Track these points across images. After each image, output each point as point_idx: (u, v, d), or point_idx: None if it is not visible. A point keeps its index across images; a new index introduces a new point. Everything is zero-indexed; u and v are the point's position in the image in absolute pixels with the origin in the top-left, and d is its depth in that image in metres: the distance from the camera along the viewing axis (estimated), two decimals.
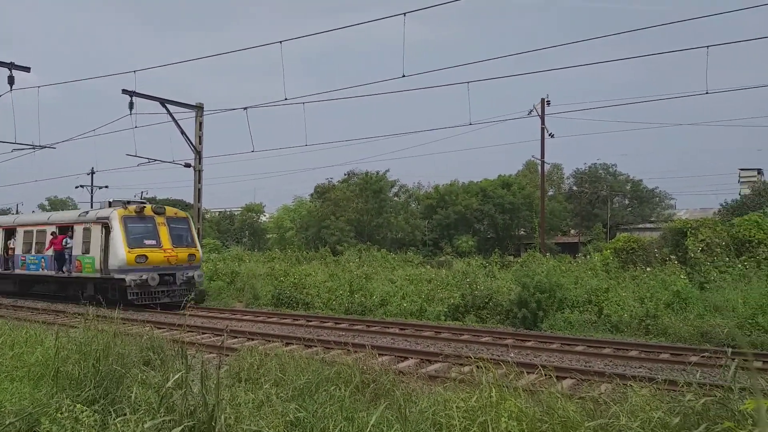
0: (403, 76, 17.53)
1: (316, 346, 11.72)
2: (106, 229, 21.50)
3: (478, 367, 7.54)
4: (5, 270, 27.34)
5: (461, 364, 10.71)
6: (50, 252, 24.09)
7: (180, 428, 5.39)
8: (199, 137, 25.76)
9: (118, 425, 5.51)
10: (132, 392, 6.50)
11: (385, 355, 12.34)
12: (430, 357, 12.30)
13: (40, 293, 26.12)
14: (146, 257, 21.09)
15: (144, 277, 20.70)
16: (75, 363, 7.79)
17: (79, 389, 7.14)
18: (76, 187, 52.31)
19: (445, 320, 18.10)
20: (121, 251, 20.70)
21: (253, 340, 13.95)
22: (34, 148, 27.15)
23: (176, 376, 6.18)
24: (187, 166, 25.95)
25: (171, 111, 24.82)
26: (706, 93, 15.89)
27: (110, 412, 6.14)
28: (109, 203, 23.34)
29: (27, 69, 20.36)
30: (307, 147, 53.69)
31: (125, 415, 5.89)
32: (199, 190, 25.74)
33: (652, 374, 9.64)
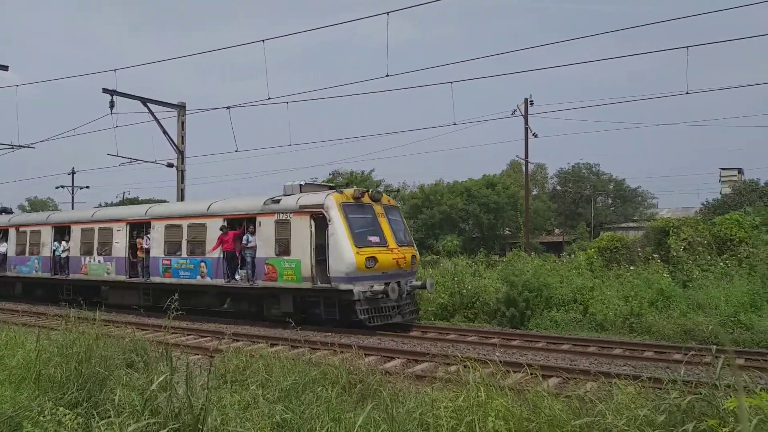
0: (387, 75, 17.60)
1: (302, 347, 11.68)
2: (318, 221, 15.85)
3: (464, 366, 7.55)
4: (131, 277, 20.56)
5: (448, 364, 10.71)
6: (216, 253, 17.92)
7: (165, 431, 5.32)
8: (182, 137, 25.56)
9: (102, 428, 5.43)
10: (116, 395, 6.41)
11: (372, 355, 12.31)
12: (416, 357, 12.29)
13: (194, 308, 18.22)
14: (375, 260, 15.52)
15: (377, 287, 15.20)
16: (57, 365, 7.68)
17: (62, 392, 7.03)
18: (57, 188, 51.64)
19: (434, 320, 18.11)
20: (348, 252, 15.09)
21: (238, 341, 13.85)
22: (12, 148, 26.77)
23: (160, 378, 6.10)
24: (170, 166, 25.73)
25: (153, 110, 24.60)
26: (687, 93, 16.04)
27: (93, 415, 6.05)
28: (300, 186, 17.29)
29: (5, 68, 20.05)
30: (291, 147, 53.49)
31: (109, 417, 5.81)
32: (182, 190, 25.53)
33: (637, 372, 9.71)
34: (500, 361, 8.49)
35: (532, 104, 29.70)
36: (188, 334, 15.88)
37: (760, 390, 5.36)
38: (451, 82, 18.76)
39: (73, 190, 50.87)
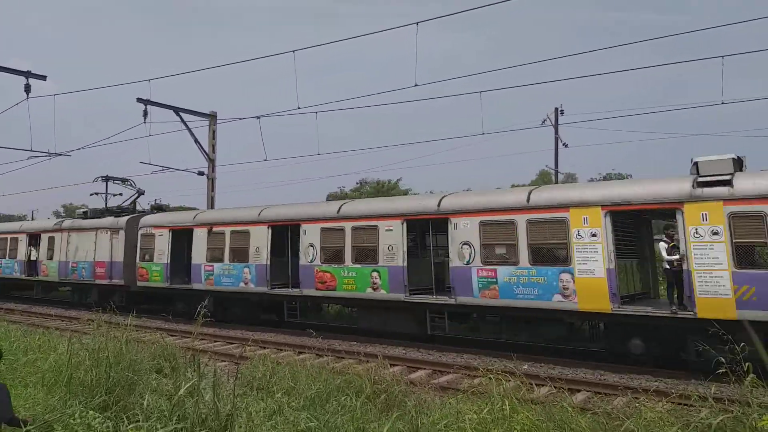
0: (416, 85, 17.64)
1: (327, 356, 11.72)
2: None
3: (489, 378, 7.49)
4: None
5: (473, 376, 10.64)
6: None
7: None
8: (212, 145, 25.95)
9: None
10: (144, 399, 6.51)
11: (397, 365, 12.28)
12: (442, 368, 12.22)
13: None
14: None
15: None
16: (87, 370, 7.83)
17: (92, 396, 7.17)
18: (91, 195, 52.71)
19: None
20: None
21: (264, 348, 13.95)
22: (49, 156, 27.43)
23: (188, 384, 6.19)
24: (201, 174, 26.11)
25: (185, 119, 25.04)
26: (722, 103, 15.76)
27: (122, 418, 6.16)
28: None
29: (43, 77, 20.59)
30: (320, 156, 53.76)
31: (137, 422, 5.91)
32: (212, 198, 25.88)
33: (667, 388, 9.51)
34: (526, 374, 8.39)
35: (562, 113, 29.44)
36: (215, 341, 16.06)
37: None
38: (480, 92, 18.68)
39: (106, 197, 51.87)
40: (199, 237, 19.81)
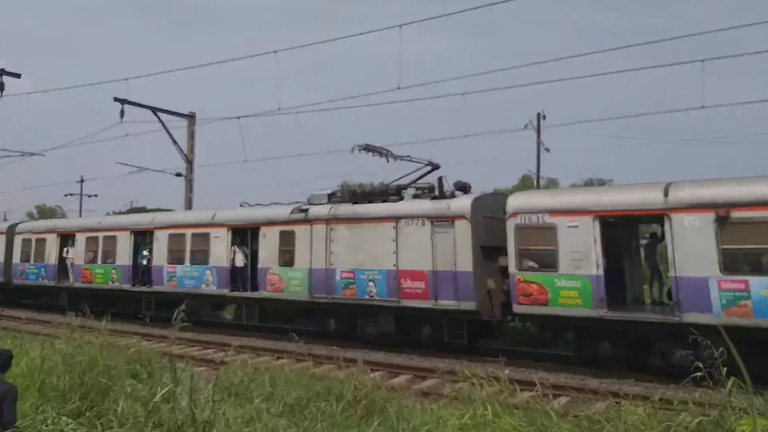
0: (399, 88, 17.58)
1: (307, 361, 11.57)
2: None
3: (472, 383, 7.45)
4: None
5: (455, 381, 10.58)
6: None
7: None
8: (191, 146, 25.65)
9: None
10: (119, 405, 6.35)
11: (378, 370, 12.18)
12: (423, 373, 12.15)
13: None
14: None
15: None
16: (60, 375, 7.63)
17: (65, 401, 6.98)
18: (65, 195, 51.85)
19: None
20: None
21: (243, 353, 13.75)
22: (22, 155, 26.93)
23: (164, 390, 6.04)
24: (179, 175, 25.79)
25: (163, 120, 24.72)
26: (702, 107, 16.01)
27: (96, 425, 6.00)
28: None
29: (17, 75, 20.19)
30: (301, 157, 53.46)
31: (112, 428, 5.75)
32: (190, 199, 25.57)
33: (648, 392, 9.55)
34: (508, 379, 8.36)
35: (544, 118, 29.70)
36: (192, 345, 15.82)
37: None
38: (463, 94, 18.72)
39: (81, 198, 51.10)
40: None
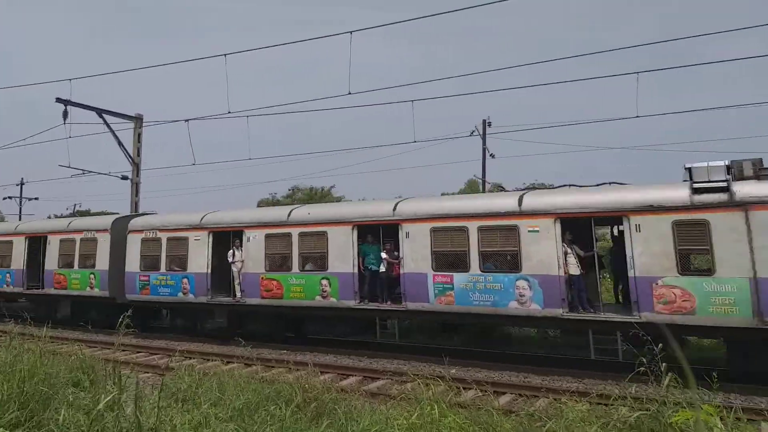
0: (350, 93, 17.65)
1: (256, 365, 11.52)
2: None
3: (419, 383, 7.60)
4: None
5: (403, 381, 10.74)
6: None
7: None
8: (138, 149, 25.06)
9: None
10: (60, 415, 6.19)
11: (328, 372, 12.23)
12: (372, 374, 12.27)
13: None
14: None
15: None
16: None
17: (2, 412, 6.75)
18: (4, 199, 49.69)
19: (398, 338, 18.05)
20: None
21: (191, 358, 13.56)
22: None
23: (108, 398, 5.94)
24: (125, 178, 25.15)
25: (108, 122, 24.07)
26: (637, 117, 16.73)
27: None
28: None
29: None
30: (251, 161, 52.89)
31: None
32: (136, 203, 24.96)
33: (587, 388, 9.93)
34: (454, 379, 8.55)
35: (490, 125, 30.27)
36: (138, 352, 15.48)
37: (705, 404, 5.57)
38: (412, 101, 18.96)
39: (21, 201, 49.07)
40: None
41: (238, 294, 16.48)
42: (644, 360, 6.53)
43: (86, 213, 53.84)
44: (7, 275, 22.46)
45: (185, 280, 17.36)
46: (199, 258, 17.21)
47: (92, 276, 19.74)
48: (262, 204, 58.70)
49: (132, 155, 24.82)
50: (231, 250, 16.70)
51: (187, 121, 22.04)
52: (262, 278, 15.88)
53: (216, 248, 17.19)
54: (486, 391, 9.12)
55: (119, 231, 19.49)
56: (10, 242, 22.78)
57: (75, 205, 56.87)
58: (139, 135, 25.16)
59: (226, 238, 17.17)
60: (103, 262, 19.54)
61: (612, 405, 6.99)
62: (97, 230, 20.13)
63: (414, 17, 14.82)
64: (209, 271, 17.04)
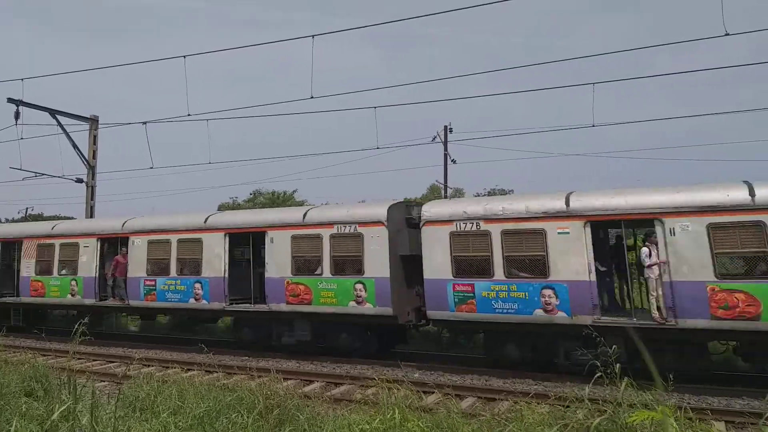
0: (312, 97, 17.60)
1: (217, 371, 11.37)
2: None
3: (381, 388, 7.62)
4: None
5: (366, 386, 10.76)
6: None
7: None
8: (94, 151, 24.46)
9: None
10: (11, 425, 6.01)
11: (291, 378, 12.15)
12: (336, 380, 12.24)
13: None
14: None
15: None
16: None
17: None
18: None
19: None
20: None
21: (149, 366, 13.29)
22: None
23: (62, 408, 5.79)
24: (79, 181, 24.50)
25: (62, 123, 23.43)
26: (593, 126, 17.14)
27: None
28: None
29: None
30: (211, 165, 52.15)
31: None
32: (92, 207, 24.34)
33: (546, 390, 10.12)
34: (416, 383, 8.61)
35: (451, 131, 30.61)
36: (94, 360, 15.08)
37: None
38: (375, 107, 19.05)
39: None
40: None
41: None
42: (598, 363, 6.69)
43: (38, 217, 52.15)
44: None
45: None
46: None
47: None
48: (222, 208, 57.95)
49: (87, 157, 24.21)
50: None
51: (144, 123, 21.61)
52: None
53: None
54: (448, 395, 9.20)
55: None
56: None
57: (27, 208, 55.07)
58: (95, 137, 24.56)
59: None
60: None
61: (569, 407, 7.14)
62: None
63: (375, 23, 14.88)
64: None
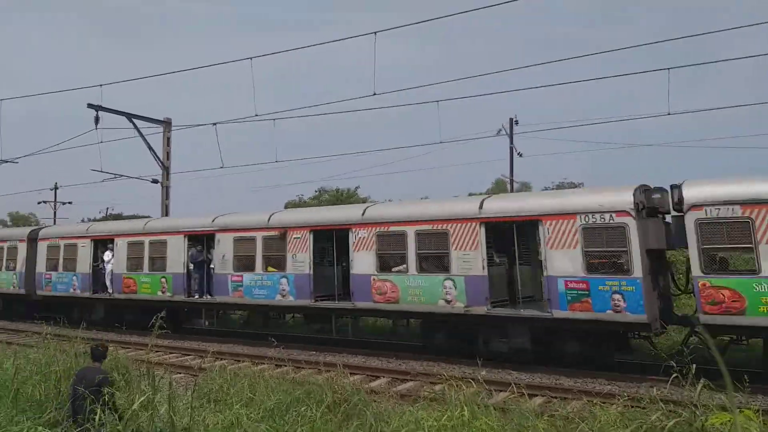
0: (374, 94, 17.63)
1: (286, 365, 11.58)
2: None
3: (449, 385, 7.55)
4: None
5: (433, 383, 10.69)
6: None
7: None
8: (167, 153, 25.43)
9: None
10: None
11: (357, 374, 12.23)
12: (402, 375, 12.23)
13: None
14: None
15: None
16: (35, 385, 7.55)
17: (41, 411, 6.92)
18: (39, 203, 51.02)
19: None
20: None
21: (222, 359, 13.71)
22: None
23: (142, 398, 6.03)
24: (155, 182, 25.56)
25: (138, 126, 24.47)
26: (668, 114, 16.37)
27: None
28: None
29: None
30: (278, 164, 53.27)
31: None
32: (166, 206, 25.35)
33: (620, 390, 9.75)
34: (484, 380, 8.47)
35: (517, 124, 29.98)
36: (171, 352, 15.70)
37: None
38: (437, 101, 18.93)
39: (55, 206, 50.26)
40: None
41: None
42: (674, 363, 6.38)
43: (119, 216, 54.91)
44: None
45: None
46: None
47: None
48: (288, 205, 59.07)
49: (162, 159, 25.21)
50: None
51: (215, 124, 22.31)
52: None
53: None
54: (519, 393, 9.00)
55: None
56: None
57: (108, 208, 58.06)
58: (168, 139, 25.53)
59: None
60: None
61: (644, 408, 6.85)
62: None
63: (434, 17, 14.74)
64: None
